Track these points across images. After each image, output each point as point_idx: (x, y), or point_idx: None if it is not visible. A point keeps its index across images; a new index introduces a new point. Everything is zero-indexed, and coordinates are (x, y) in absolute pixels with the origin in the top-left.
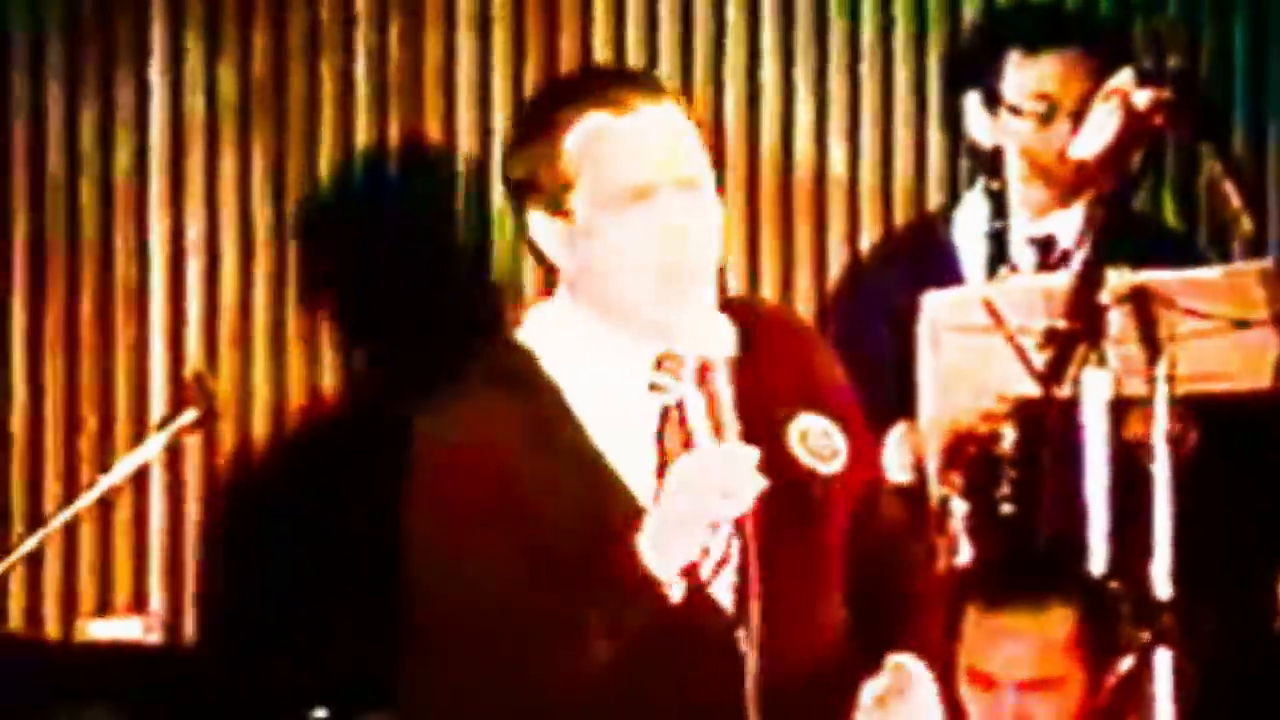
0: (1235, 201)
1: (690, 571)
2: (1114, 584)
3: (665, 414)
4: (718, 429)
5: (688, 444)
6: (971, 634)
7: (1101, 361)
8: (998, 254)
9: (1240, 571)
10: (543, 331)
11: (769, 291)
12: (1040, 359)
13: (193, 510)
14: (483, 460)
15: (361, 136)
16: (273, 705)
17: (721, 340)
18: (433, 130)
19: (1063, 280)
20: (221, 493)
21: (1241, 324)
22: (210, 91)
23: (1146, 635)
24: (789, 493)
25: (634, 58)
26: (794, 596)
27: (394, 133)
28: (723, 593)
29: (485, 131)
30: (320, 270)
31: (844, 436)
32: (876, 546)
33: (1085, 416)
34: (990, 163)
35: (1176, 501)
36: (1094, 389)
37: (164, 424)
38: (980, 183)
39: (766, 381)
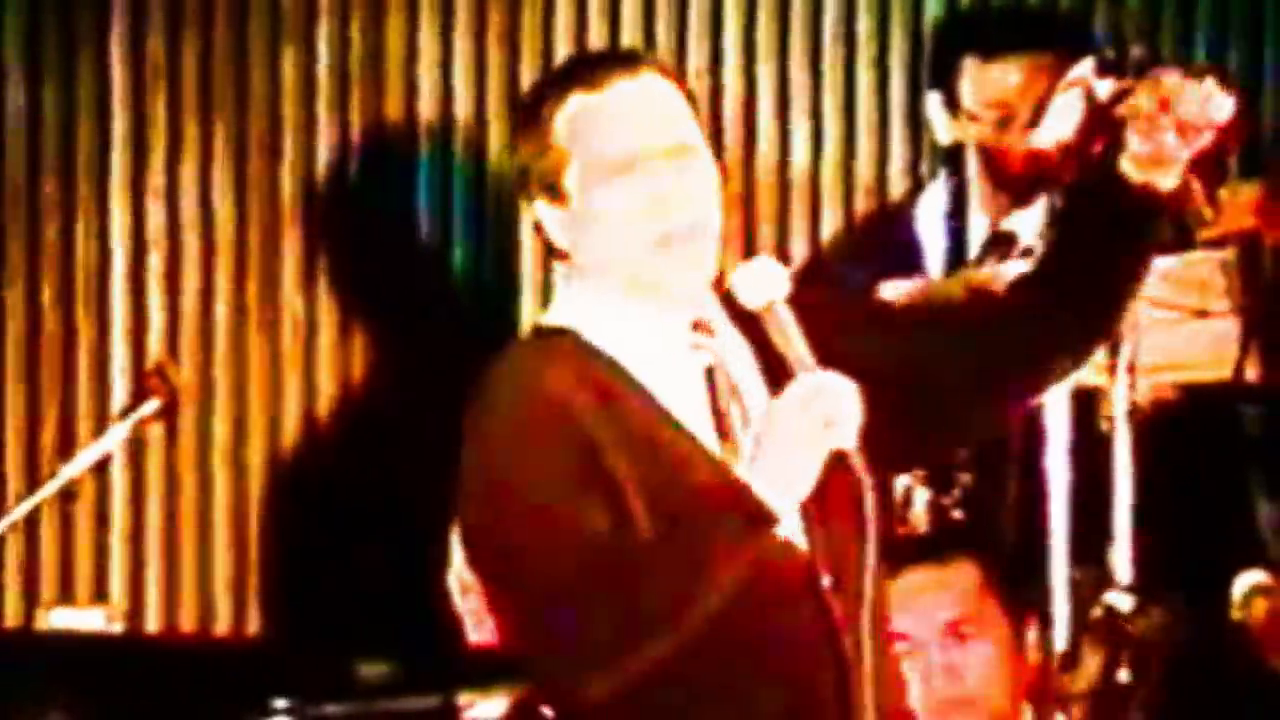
0: (1196, 191)
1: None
2: (1078, 573)
3: (710, 373)
4: (795, 367)
5: (736, 398)
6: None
7: None
8: (957, 249)
9: (1203, 564)
10: (574, 313)
11: None
12: None
13: (154, 501)
14: (571, 413)
15: (323, 127)
16: (235, 695)
17: (760, 288)
18: (395, 121)
19: (1017, 270)
20: (183, 483)
21: (1202, 314)
22: (172, 83)
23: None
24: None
25: (595, 46)
26: (845, 547)
27: (356, 123)
28: (795, 535)
29: (447, 121)
30: (282, 261)
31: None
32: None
33: (1047, 407)
34: (951, 159)
35: (1139, 493)
36: None
37: (125, 414)
38: (942, 176)
39: (778, 367)
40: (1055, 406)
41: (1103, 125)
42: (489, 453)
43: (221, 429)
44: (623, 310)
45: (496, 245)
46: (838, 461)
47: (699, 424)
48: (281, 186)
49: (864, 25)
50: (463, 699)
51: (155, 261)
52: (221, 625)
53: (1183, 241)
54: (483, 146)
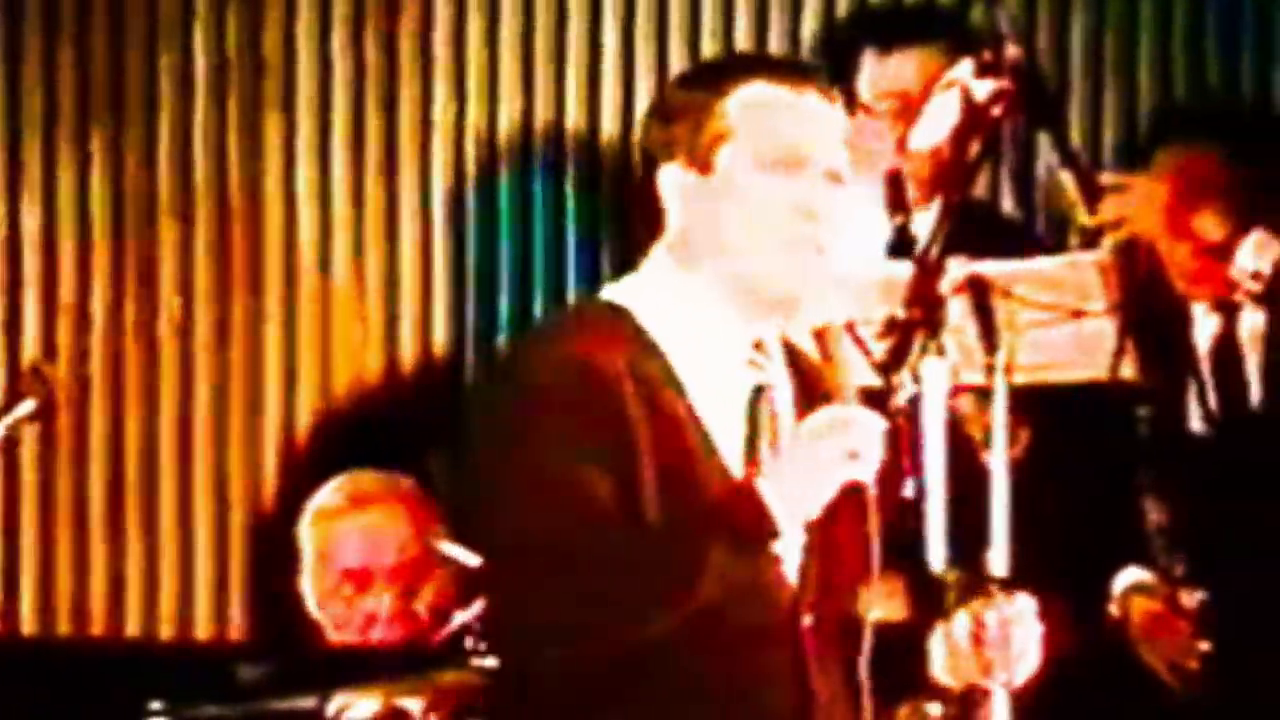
0: (1072, 192)
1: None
2: (953, 573)
3: (758, 392)
4: (838, 393)
5: (773, 424)
6: None
7: (941, 352)
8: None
9: (1077, 565)
10: (641, 293)
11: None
12: (879, 349)
13: (29, 501)
14: (595, 392)
15: (200, 129)
16: (111, 697)
17: (842, 309)
18: (271, 123)
19: (903, 270)
20: (59, 484)
21: (1078, 314)
22: (48, 85)
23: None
24: (845, 506)
25: (474, 48)
26: (843, 599)
27: (233, 125)
28: (790, 567)
29: (325, 122)
30: (159, 263)
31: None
32: None
33: (924, 407)
34: (891, 195)
35: (1014, 493)
36: (933, 380)
37: (1, 415)
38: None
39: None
40: (932, 407)
41: (980, 127)
42: (516, 410)
43: (98, 429)
44: (698, 303)
45: (377, 241)
46: (852, 495)
47: (727, 440)
48: (159, 189)
49: (741, 26)
50: (338, 699)
51: (31, 263)
52: (97, 627)
53: (1058, 243)
54: (362, 143)
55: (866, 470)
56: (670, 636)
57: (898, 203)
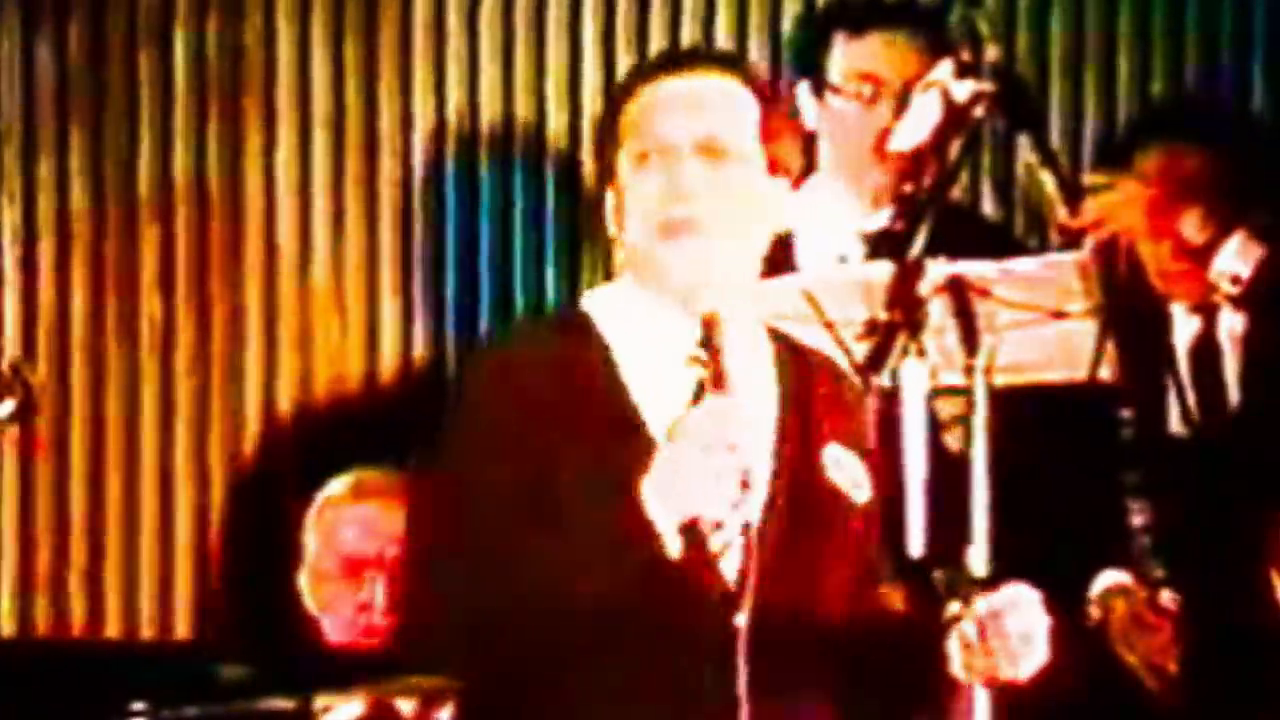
0: (1052, 192)
1: (691, 531)
2: (937, 571)
3: (701, 387)
4: (720, 384)
5: None
6: None
7: (921, 353)
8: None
9: (1057, 567)
10: (603, 300)
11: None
12: (860, 350)
13: (8, 502)
14: (514, 398)
15: (180, 128)
16: (90, 698)
17: (733, 300)
18: (252, 122)
19: (883, 271)
20: (38, 485)
21: (1059, 315)
22: (27, 82)
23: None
24: (812, 508)
25: (454, 45)
26: (795, 600)
27: (213, 123)
28: (729, 572)
29: (305, 121)
30: (140, 262)
31: (869, 478)
32: None
33: (904, 408)
34: (901, 167)
35: (994, 491)
36: (913, 381)
37: None
38: (818, 173)
39: (809, 408)
40: (912, 408)
41: (960, 128)
42: (444, 421)
43: (78, 430)
44: (638, 303)
45: (357, 239)
46: (830, 496)
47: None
48: (138, 186)
49: (721, 24)
50: (321, 700)
51: (10, 262)
52: (77, 627)
53: (1038, 244)
54: (342, 144)
55: (741, 462)
56: (582, 640)
57: (907, 176)
